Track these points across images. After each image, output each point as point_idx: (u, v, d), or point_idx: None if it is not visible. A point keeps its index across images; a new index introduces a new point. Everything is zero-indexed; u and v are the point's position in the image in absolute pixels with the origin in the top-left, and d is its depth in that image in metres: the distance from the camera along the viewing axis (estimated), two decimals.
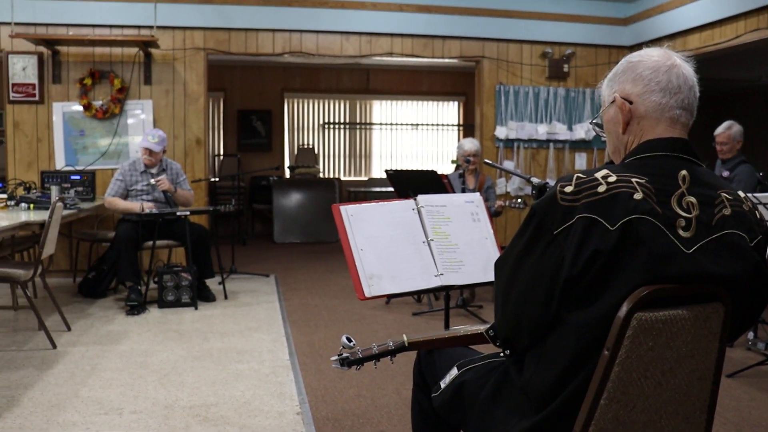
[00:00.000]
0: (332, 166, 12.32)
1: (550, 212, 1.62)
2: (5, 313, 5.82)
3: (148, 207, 6.22)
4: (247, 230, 11.27)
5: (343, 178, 12.16)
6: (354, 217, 2.49)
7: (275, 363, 4.45)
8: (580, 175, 1.65)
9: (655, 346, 1.59)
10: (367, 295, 2.35)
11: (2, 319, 5.66)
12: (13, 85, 7.42)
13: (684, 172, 1.66)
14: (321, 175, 11.78)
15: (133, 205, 6.25)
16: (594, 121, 1.90)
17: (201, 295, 6.29)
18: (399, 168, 6.95)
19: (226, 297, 6.44)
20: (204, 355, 4.62)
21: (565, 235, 1.59)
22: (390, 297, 2.50)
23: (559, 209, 1.61)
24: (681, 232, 1.60)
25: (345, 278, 7.42)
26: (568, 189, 1.62)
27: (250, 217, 11.63)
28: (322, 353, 4.67)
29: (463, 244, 2.57)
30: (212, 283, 6.62)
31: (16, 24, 7.18)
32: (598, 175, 1.63)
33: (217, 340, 5.01)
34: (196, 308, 6.00)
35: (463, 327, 2.14)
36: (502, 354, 1.91)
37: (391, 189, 6.70)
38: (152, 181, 6.28)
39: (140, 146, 6.36)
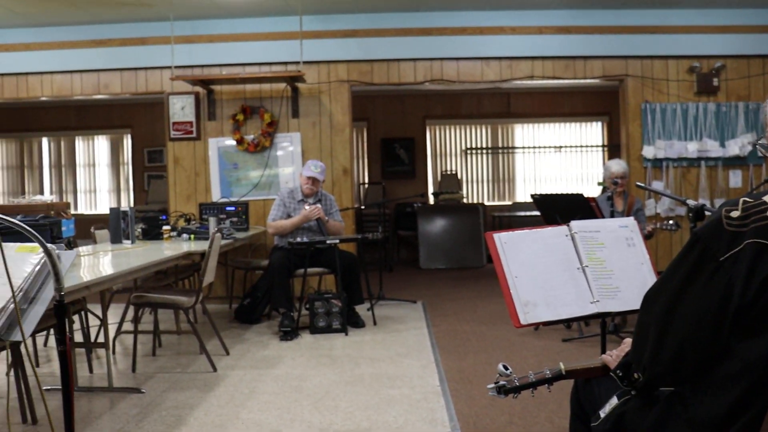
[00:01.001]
0: (476, 191, 12.30)
1: (716, 238, 1.56)
2: (170, 337, 6.17)
3: (311, 208, 6.42)
4: (393, 257, 11.41)
5: (486, 203, 12.12)
6: (507, 244, 2.49)
7: (426, 389, 4.48)
8: (747, 198, 1.58)
9: None
10: (522, 322, 2.34)
11: (167, 342, 6.00)
12: (174, 123, 7.91)
13: None
14: (465, 200, 11.79)
15: (298, 217, 6.49)
16: (760, 142, 1.82)
17: (351, 321, 6.42)
18: (545, 192, 6.84)
19: (375, 323, 6.55)
20: (356, 380, 4.71)
21: (733, 262, 1.53)
22: (543, 324, 2.48)
23: (725, 235, 1.55)
24: None
25: (492, 304, 7.37)
26: (735, 213, 1.56)
27: (395, 243, 11.77)
28: (472, 380, 4.65)
29: (618, 270, 2.51)
30: (361, 309, 6.74)
31: (176, 67, 7.67)
32: (767, 198, 1.56)
33: (368, 365, 5.10)
34: (347, 334, 6.14)
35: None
36: (633, 392, 1.85)
37: (536, 213, 6.61)
38: (307, 207, 6.49)
39: (304, 175, 6.58)
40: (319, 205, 6.53)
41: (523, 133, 12.36)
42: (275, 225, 6.57)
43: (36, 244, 2.38)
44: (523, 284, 2.40)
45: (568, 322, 5.94)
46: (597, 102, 12.10)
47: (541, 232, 2.56)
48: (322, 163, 6.74)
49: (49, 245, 2.28)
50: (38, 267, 2.48)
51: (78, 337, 5.37)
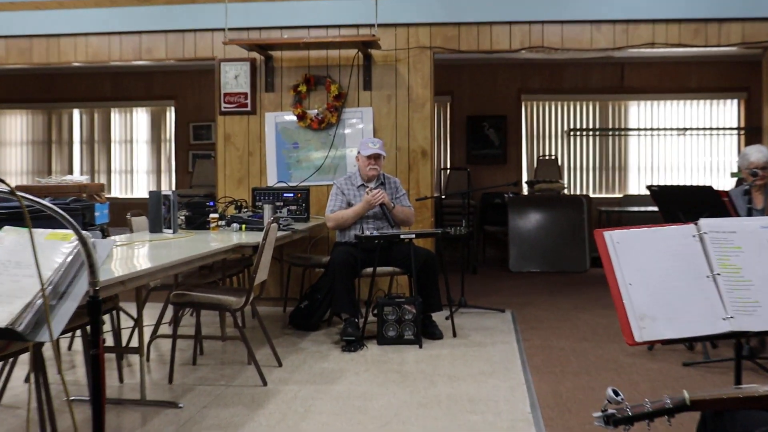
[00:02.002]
0: (579, 181, 12.17)
1: None
2: (213, 344, 6.28)
3: (374, 192, 6.46)
4: (477, 256, 11.38)
5: (591, 195, 11.96)
6: (621, 244, 2.45)
7: (514, 416, 4.45)
8: None
9: None
10: (637, 339, 2.30)
11: (210, 349, 6.11)
12: (225, 95, 8.04)
13: None
14: (565, 191, 11.67)
15: (359, 205, 6.56)
16: None
17: (426, 332, 6.42)
18: (665, 184, 6.72)
19: (454, 334, 6.54)
20: (431, 402, 4.72)
21: None
22: (663, 342, 2.43)
23: None
24: None
25: (597, 317, 7.28)
26: None
27: (481, 240, 11.74)
28: (570, 407, 4.60)
29: (758, 280, 2.44)
30: (439, 318, 6.74)
31: (230, 30, 7.77)
32: None
33: (445, 384, 5.10)
34: (421, 346, 6.14)
35: (757, 385, 2.03)
36: None
37: (653, 209, 6.49)
38: (367, 191, 6.52)
39: (363, 155, 6.66)
40: (381, 189, 6.57)
41: (639, 112, 12.15)
42: (335, 217, 6.63)
43: (69, 231, 2.45)
44: (639, 293, 2.36)
45: (691, 342, 5.83)
46: (733, 75, 11.79)
47: (662, 231, 2.51)
48: (379, 140, 6.80)
49: (84, 233, 2.34)
50: (70, 258, 2.55)
51: (108, 340, 5.50)
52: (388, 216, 6.57)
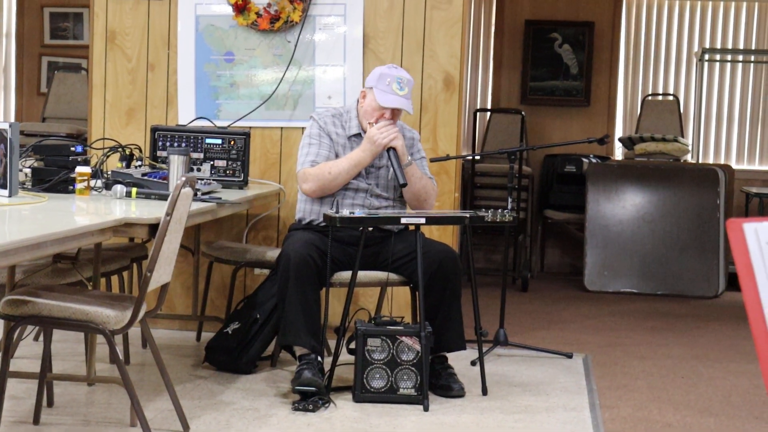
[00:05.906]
0: (715, 141, 12.19)
1: None
2: (71, 390, 6.24)
3: (383, 124, 6.47)
4: (531, 262, 11.42)
5: (735, 165, 11.96)
6: None
7: None
8: None
9: None
10: None
11: (67, 399, 6.06)
12: None
13: None
14: (689, 157, 11.68)
15: (360, 149, 6.54)
16: None
17: (437, 384, 6.47)
18: None
19: (484, 391, 6.55)
20: None
21: None
22: None
23: None
24: None
25: (732, 373, 7.31)
26: None
27: (538, 235, 11.78)
28: None
29: None
30: (460, 362, 6.80)
31: None
32: None
33: None
34: (426, 408, 6.17)
35: None
36: None
37: None
38: (370, 124, 6.50)
39: (376, 98, 6.57)
40: (395, 127, 6.55)
41: None
42: (318, 173, 6.57)
43: None
44: None
45: None
46: None
47: None
48: (409, 76, 6.77)
49: None
50: None
51: None
52: (397, 171, 6.50)
